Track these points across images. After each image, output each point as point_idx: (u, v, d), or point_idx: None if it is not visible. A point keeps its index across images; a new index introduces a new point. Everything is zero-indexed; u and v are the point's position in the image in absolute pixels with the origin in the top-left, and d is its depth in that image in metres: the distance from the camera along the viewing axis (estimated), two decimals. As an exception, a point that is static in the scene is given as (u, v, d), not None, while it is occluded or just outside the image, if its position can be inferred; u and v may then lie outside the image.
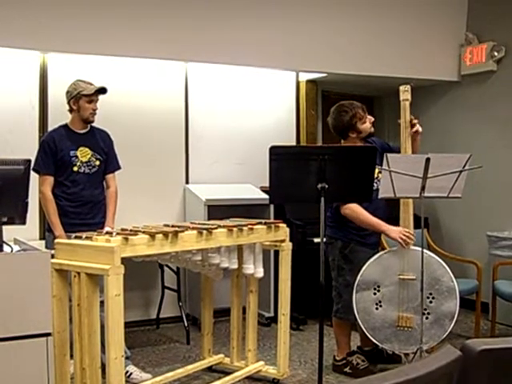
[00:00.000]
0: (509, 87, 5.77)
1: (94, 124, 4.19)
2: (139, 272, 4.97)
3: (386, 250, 4.07)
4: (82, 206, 4.09)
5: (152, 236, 3.18)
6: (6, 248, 2.74)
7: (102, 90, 4.10)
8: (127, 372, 3.99)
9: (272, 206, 5.39)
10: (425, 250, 3.79)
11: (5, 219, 2.72)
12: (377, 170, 3.81)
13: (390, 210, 4.20)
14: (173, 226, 3.48)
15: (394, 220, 4.05)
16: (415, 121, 4.04)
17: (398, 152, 4.07)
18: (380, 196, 3.69)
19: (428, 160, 3.49)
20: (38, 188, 4.06)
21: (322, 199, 3.31)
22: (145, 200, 5.35)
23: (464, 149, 5.43)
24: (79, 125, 4.13)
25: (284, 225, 4.05)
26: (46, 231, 4.27)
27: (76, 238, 3.20)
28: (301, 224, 5.34)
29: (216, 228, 3.54)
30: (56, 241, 3.30)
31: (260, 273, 3.96)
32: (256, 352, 4.26)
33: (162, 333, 5.32)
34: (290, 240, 4.08)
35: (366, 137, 4.15)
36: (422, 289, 3.70)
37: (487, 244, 5.62)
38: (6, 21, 4.52)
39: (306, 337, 5.17)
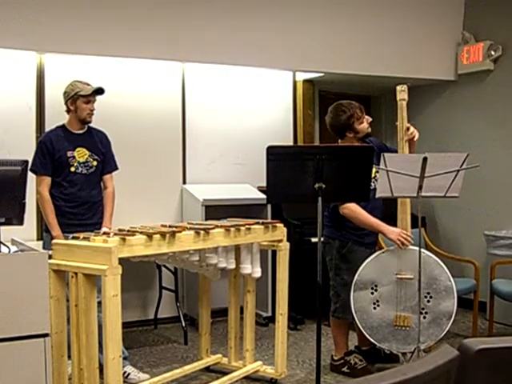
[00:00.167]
0: (506, 86, 5.78)
1: (91, 124, 4.18)
2: (137, 272, 4.97)
3: (383, 250, 4.07)
4: (80, 207, 4.09)
5: (149, 236, 3.18)
6: (3, 248, 2.74)
7: (100, 91, 4.09)
8: (125, 372, 3.99)
9: (269, 206, 5.39)
10: (422, 250, 3.80)
11: (2, 220, 2.72)
12: (374, 170, 3.81)
13: (386, 210, 4.21)
14: (170, 227, 3.48)
15: (390, 219, 4.05)
16: (412, 128, 4.03)
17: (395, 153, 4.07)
18: (377, 195, 3.69)
19: (425, 159, 3.49)
20: (36, 188, 4.05)
21: (320, 199, 3.32)
22: (142, 200, 5.35)
23: (461, 148, 5.46)
24: (76, 125, 4.13)
25: (281, 225, 4.05)
26: (43, 232, 4.27)
27: (73, 238, 3.20)
28: (298, 224, 5.34)
29: (213, 228, 3.54)
30: (53, 241, 3.30)
31: (258, 273, 3.96)
32: (254, 352, 4.26)
33: (159, 333, 5.31)
34: (288, 240, 4.08)
35: (364, 137, 4.15)
36: (419, 288, 3.70)
37: (485, 243, 5.63)
38: (3, 21, 4.51)
39: (303, 336, 5.17)
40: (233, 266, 3.84)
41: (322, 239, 3.47)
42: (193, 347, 4.83)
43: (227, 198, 5.32)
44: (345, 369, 4.23)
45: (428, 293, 3.85)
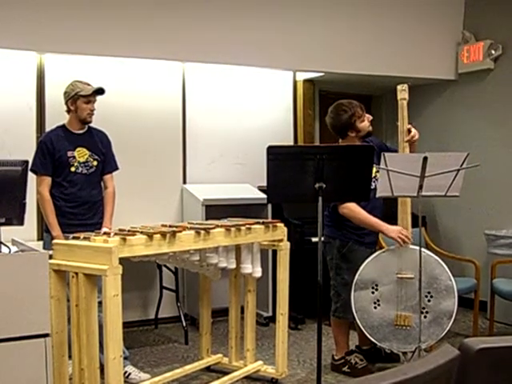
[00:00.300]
0: (506, 85, 5.78)
1: (91, 124, 4.18)
2: (137, 272, 4.97)
3: (383, 249, 4.08)
4: (80, 207, 4.09)
5: (150, 236, 3.18)
6: (3, 249, 2.74)
7: (100, 91, 4.09)
8: (126, 372, 3.99)
9: (270, 206, 5.39)
10: (423, 249, 3.80)
11: (2, 220, 2.72)
12: (374, 169, 3.81)
13: (387, 209, 4.21)
14: (170, 226, 3.48)
15: (391, 219, 4.06)
16: (413, 129, 4.03)
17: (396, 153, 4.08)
18: (378, 195, 3.69)
19: (426, 159, 3.49)
20: (36, 189, 4.05)
21: (320, 198, 3.32)
22: (142, 200, 5.35)
23: (461, 147, 5.46)
24: (77, 125, 4.13)
25: (282, 224, 4.05)
26: (43, 232, 4.27)
27: (74, 238, 3.20)
28: (299, 223, 5.34)
29: (214, 228, 3.54)
30: (54, 241, 3.30)
31: (258, 272, 3.96)
32: (254, 352, 4.26)
33: (160, 333, 5.32)
34: (288, 239, 4.08)
35: (365, 136, 4.15)
36: (420, 287, 3.70)
37: (485, 242, 5.62)
38: (3, 21, 4.51)
39: (304, 336, 5.17)
40: (233, 266, 3.84)
41: (322, 239, 3.47)
42: (193, 347, 4.84)
43: (227, 197, 5.32)
44: (345, 368, 4.23)
45: (429, 292, 3.85)
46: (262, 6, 5.48)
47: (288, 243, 4.06)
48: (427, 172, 3.53)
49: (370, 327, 3.90)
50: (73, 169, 4.07)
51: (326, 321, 4.53)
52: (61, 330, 3.19)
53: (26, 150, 4.43)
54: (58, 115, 4.31)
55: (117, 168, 4.32)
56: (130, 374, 4.05)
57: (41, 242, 4.37)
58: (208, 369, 4.29)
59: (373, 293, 3.91)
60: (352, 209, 3.97)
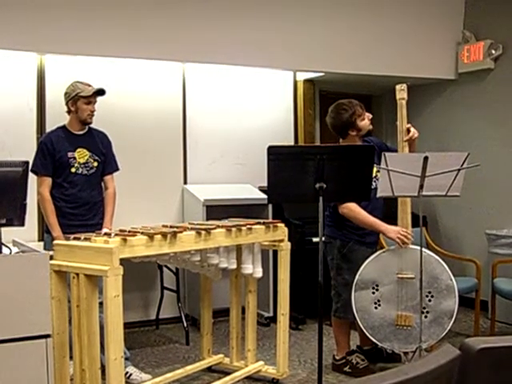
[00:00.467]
0: (506, 85, 5.77)
1: (92, 125, 4.19)
2: (138, 273, 4.97)
3: (384, 249, 4.07)
4: (80, 207, 4.09)
5: (150, 237, 3.18)
6: (4, 250, 2.74)
7: (100, 92, 4.09)
8: (127, 373, 3.99)
9: (270, 206, 5.39)
10: (423, 249, 3.80)
11: (3, 221, 2.72)
12: (375, 169, 3.81)
13: (387, 209, 4.21)
14: (171, 227, 3.48)
15: (391, 219, 4.05)
16: (412, 129, 4.03)
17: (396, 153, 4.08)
18: (378, 195, 3.69)
19: (426, 158, 3.49)
20: (37, 189, 4.06)
21: (321, 199, 3.32)
22: (143, 201, 5.35)
23: (462, 147, 5.46)
24: (77, 126, 4.13)
25: (282, 224, 4.05)
26: (44, 232, 4.27)
27: (74, 239, 3.20)
28: (299, 224, 5.34)
29: (214, 228, 3.54)
30: (54, 242, 3.30)
31: (259, 273, 3.96)
32: (255, 352, 4.26)
33: (161, 333, 5.32)
34: (289, 240, 4.08)
35: (365, 135, 4.16)
36: (420, 287, 3.70)
37: (486, 242, 5.62)
38: (4, 22, 4.51)
39: (305, 336, 5.17)
40: (234, 266, 3.84)
41: (323, 239, 3.47)
42: (194, 347, 4.84)
43: (228, 198, 5.32)
44: (347, 368, 4.23)
45: (429, 292, 3.84)
46: (262, 6, 5.48)
47: (289, 243, 4.06)
48: (428, 172, 3.53)
49: (370, 327, 3.90)
50: (73, 170, 4.07)
51: (326, 321, 4.53)
52: (62, 331, 3.19)
53: (26, 150, 4.44)
54: (58, 116, 4.32)
55: (117, 169, 4.33)
56: (131, 374, 4.05)
57: (41, 243, 4.37)
58: (209, 369, 4.30)
59: (373, 293, 3.91)
60: (352, 209, 3.97)
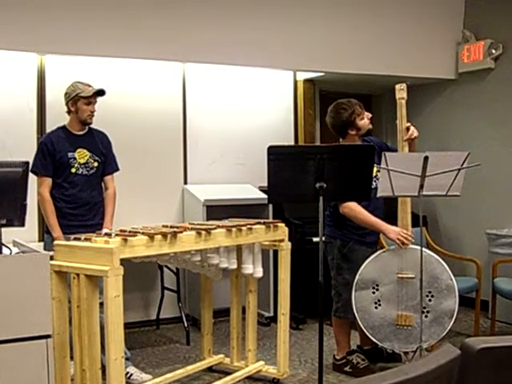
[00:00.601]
0: (506, 85, 5.77)
1: (92, 125, 4.19)
2: (139, 273, 4.98)
3: (384, 249, 4.07)
4: (80, 208, 4.09)
5: (151, 237, 3.18)
6: (4, 250, 2.74)
7: (101, 92, 4.09)
8: (127, 373, 3.99)
9: (271, 206, 5.39)
10: (424, 249, 3.79)
11: (3, 221, 2.72)
12: (375, 169, 3.81)
13: (387, 209, 4.21)
14: (171, 227, 3.48)
15: (391, 218, 4.05)
16: (411, 127, 4.03)
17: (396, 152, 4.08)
18: (378, 195, 3.69)
19: (426, 158, 3.49)
20: (37, 190, 4.05)
21: (321, 198, 3.32)
22: (143, 201, 5.35)
23: (462, 147, 5.46)
24: (77, 126, 4.13)
25: (283, 224, 4.05)
26: (44, 233, 4.27)
27: (75, 239, 3.20)
28: (300, 223, 5.34)
29: (215, 228, 3.54)
30: (55, 242, 3.30)
31: (259, 273, 3.96)
32: (256, 352, 4.26)
33: (161, 333, 5.32)
34: (289, 239, 4.08)
35: (365, 135, 4.16)
36: (421, 287, 3.70)
37: (486, 242, 5.62)
38: (4, 22, 4.51)
39: (305, 336, 5.17)
40: (234, 266, 3.84)
41: (323, 239, 3.47)
42: (195, 347, 4.84)
43: (228, 198, 5.32)
44: (347, 368, 4.23)
45: (429, 292, 3.84)
46: (262, 6, 5.48)
47: (289, 243, 4.06)
48: (428, 171, 3.53)
49: (371, 327, 3.90)
50: (73, 170, 4.07)
51: (327, 321, 4.53)
52: (62, 331, 3.19)
53: (26, 150, 4.44)
54: (58, 116, 4.32)
55: (117, 169, 4.33)
56: (131, 374, 4.05)
57: (42, 244, 4.37)
58: (210, 369, 4.30)
59: (373, 293, 3.91)
60: (353, 208, 3.97)
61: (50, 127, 4.58)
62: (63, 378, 3.20)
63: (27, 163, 2.82)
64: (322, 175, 3.30)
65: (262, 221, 3.97)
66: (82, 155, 4.10)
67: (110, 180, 4.27)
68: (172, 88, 5.57)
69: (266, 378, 4.13)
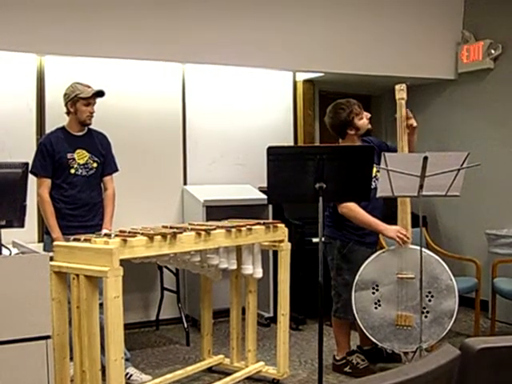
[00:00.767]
0: (506, 85, 5.78)
1: (91, 126, 4.18)
2: (138, 274, 4.98)
3: (384, 249, 4.07)
4: (80, 209, 4.09)
5: (150, 238, 3.18)
6: (4, 251, 2.74)
7: (100, 93, 4.09)
8: (127, 374, 3.98)
9: (270, 207, 5.39)
10: (423, 249, 3.79)
11: (3, 222, 2.72)
12: (375, 169, 3.81)
13: (387, 209, 4.21)
14: (171, 228, 3.48)
15: (391, 219, 4.05)
16: (410, 115, 4.04)
17: (396, 151, 4.08)
18: (378, 195, 3.69)
19: (426, 158, 3.49)
20: (36, 191, 4.05)
21: (320, 199, 3.32)
22: (143, 202, 5.35)
23: (461, 147, 5.46)
24: (76, 127, 4.13)
25: (282, 225, 4.05)
26: (44, 234, 4.27)
27: (74, 240, 3.20)
28: (299, 224, 5.34)
29: (214, 229, 3.54)
30: (54, 243, 3.30)
31: (259, 273, 3.96)
32: (256, 352, 4.26)
33: (161, 334, 5.31)
34: (289, 240, 4.08)
35: (364, 135, 4.16)
36: (421, 287, 3.70)
37: (486, 242, 5.62)
38: (4, 23, 4.51)
39: (305, 337, 5.17)
40: (234, 267, 3.84)
41: (323, 239, 3.47)
42: (195, 348, 4.84)
43: (228, 198, 5.32)
44: (347, 369, 4.23)
45: (429, 292, 3.84)
46: (262, 6, 5.48)
47: (289, 244, 4.06)
48: (428, 172, 3.53)
49: (370, 327, 3.90)
50: (72, 171, 4.07)
51: (327, 321, 4.53)
52: (62, 332, 3.19)
53: (26, 151, 4.44)
54: (57, 117, 4.32)
55: (117, 169, 4.33)
56: (131, 375, 4.05)
57: (41, 244, 4.37)
58: (209, 370, 4.30)
59: (373, 293, 3.90)
60: (352, 208, 3.97)
61: (49, 128, 4.58)
62: (63, 379, 3.20)
63: (27, 164, 2.82)
64: (322, 176, 3.30)
65: (261, 221, 3.97)
66: (81, 156, 4.10)
67: (110, 181, 4.27)
68: (172, 88, 5.57)
69: (265, 379, 4.12)
